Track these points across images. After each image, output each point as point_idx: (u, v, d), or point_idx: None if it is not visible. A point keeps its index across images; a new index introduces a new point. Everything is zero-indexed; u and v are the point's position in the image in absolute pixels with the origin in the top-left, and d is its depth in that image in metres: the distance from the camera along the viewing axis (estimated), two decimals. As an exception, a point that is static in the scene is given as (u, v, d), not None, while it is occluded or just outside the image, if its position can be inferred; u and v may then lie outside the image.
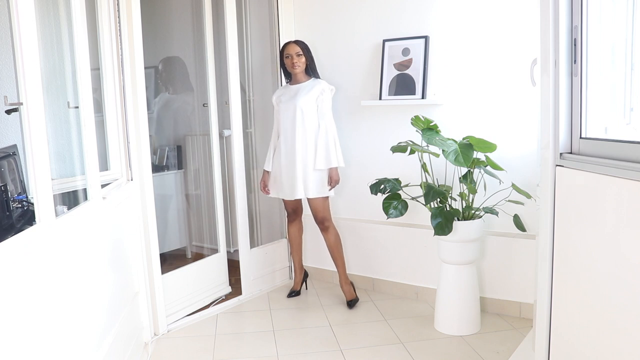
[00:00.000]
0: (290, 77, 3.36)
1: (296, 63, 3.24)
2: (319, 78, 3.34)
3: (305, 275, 3.62)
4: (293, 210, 3.47)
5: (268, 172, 3.39)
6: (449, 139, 2.80)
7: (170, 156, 4.05)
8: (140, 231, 2.84)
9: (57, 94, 2.20)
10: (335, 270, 3.45)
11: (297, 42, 3.29)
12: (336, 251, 3.36)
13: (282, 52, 3.32)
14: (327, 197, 3.31)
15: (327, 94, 3.25)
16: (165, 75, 4.08)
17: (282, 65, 3.34)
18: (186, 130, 4.14)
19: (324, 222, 3.32)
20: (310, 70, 3.31)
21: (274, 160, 3.35)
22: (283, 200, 3.43)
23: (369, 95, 3.47)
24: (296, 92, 3.26)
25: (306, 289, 3.63)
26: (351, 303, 3.35)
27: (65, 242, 1.76)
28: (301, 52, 3.25)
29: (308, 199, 3.29)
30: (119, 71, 2.69)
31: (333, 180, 3.24)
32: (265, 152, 3.90)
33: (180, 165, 4.09)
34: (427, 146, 2.86)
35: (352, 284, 3.42)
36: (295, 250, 3.55)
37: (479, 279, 2.99)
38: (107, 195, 2.31)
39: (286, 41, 3.38)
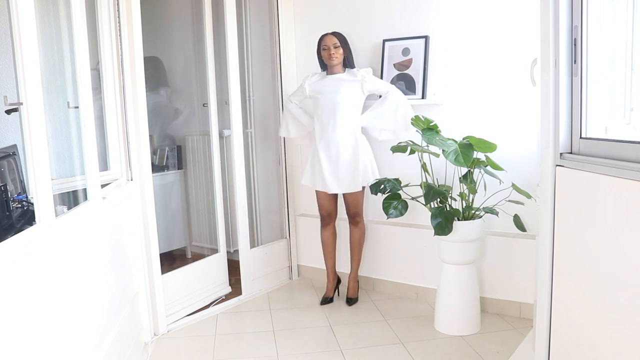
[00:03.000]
0: (325, 67, 3.30)
1: (333, 55, 3.18)
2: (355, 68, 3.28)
3: (338, 281, 3.52)
4: (328, 213, 3.37)
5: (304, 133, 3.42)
6: (449, 139, 2.80)
7: (170, 156, 4.05)
8: (140, 231, 2.84)
9: (57, 94, 2.20)
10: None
11: (335, 34, 3.21)
12: (358, 247, 3.37)
13: (319, 43, 3.26)
14: (363, 193, 3.28)
15: (369, 77, 3.19)
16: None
17: (319, 56, 3.29)
18: (172, 128, 4.14)
19: (355, 217, 3.31)
20: (348, 63, 3.25)
21: (311, 153, 3.31)
22: (319, 203, 3.36)
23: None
24: (335, 86, 3.20)
25: (338, 295, 3.51)
26: (351, 301, 3.36)
27: (65, 242, 1.76)
28: (339, 44, 3.18)
29: (344, 194, 3.27)
30: (119, 71, 2.69)
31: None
32: (265, 150, 3.91)
33: (180, 165, 4.09)
34: (427, 146, 2.86)
35: (358, 283, 3.44)
36: (329, 255, 3.45)
37: (479, 279, 2.99)
38: (107, 195, 2.31)
39: (323, 33, 3.27)
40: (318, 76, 3.32)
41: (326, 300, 3.41)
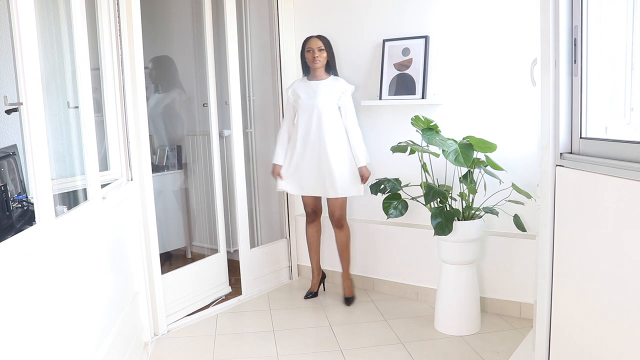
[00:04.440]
0: (308, 71, 3.32)
1: (317, 58, 3.21)
2: (338, 75, 3.32)
3: (323, 276, 3.59)
4: (313, 210, 3.42)
5: (279, 165, 3.35)
6: (449, 139, 2.80)
7: (170, 156, 4.05)
8: (140, 231, 2.84)
9: (57, 94, 2.20)
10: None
11: (320, 37, 3.24)
12: (345, 249, 3.39)
13: (303, 45, 3.28)
14: (346, 197, 3.29)
15: (348, 94, 3.24)
16: (155, 74, 4.06)
17: (302, 58, 3.31)
18: (179, 129, 4.14)
19: (340, 221, 3.33)
20: (330, 67, 3.28)
21: (290, 156, 3.31)
22: (303, 200, 3.42)
23: (369, 95, 3.47)
24: (316, 90, 3.22)
25: (324, 290, 3.59)
26: (349, 300, 3.37)
27: (65, 242, 1.76)
28: (323, 47, 3.22)
29: (328, 198, 3.28)
30: (119, 71, 2.69)
31: (365, 177, 3.23)
32: (265, 150, 3.91)
33: (180, 165, 4.09)
34: (427, 146, 2.86)
35: (352, 281, 3.45)
36: (314, 251, 3.51)
37: (479, 279, 2.99)
38: (107, 195, 2.31)
39: (308, 35, 3.30)
40: (299, 81, 3.35)
41: (310, 295, 3.48)
